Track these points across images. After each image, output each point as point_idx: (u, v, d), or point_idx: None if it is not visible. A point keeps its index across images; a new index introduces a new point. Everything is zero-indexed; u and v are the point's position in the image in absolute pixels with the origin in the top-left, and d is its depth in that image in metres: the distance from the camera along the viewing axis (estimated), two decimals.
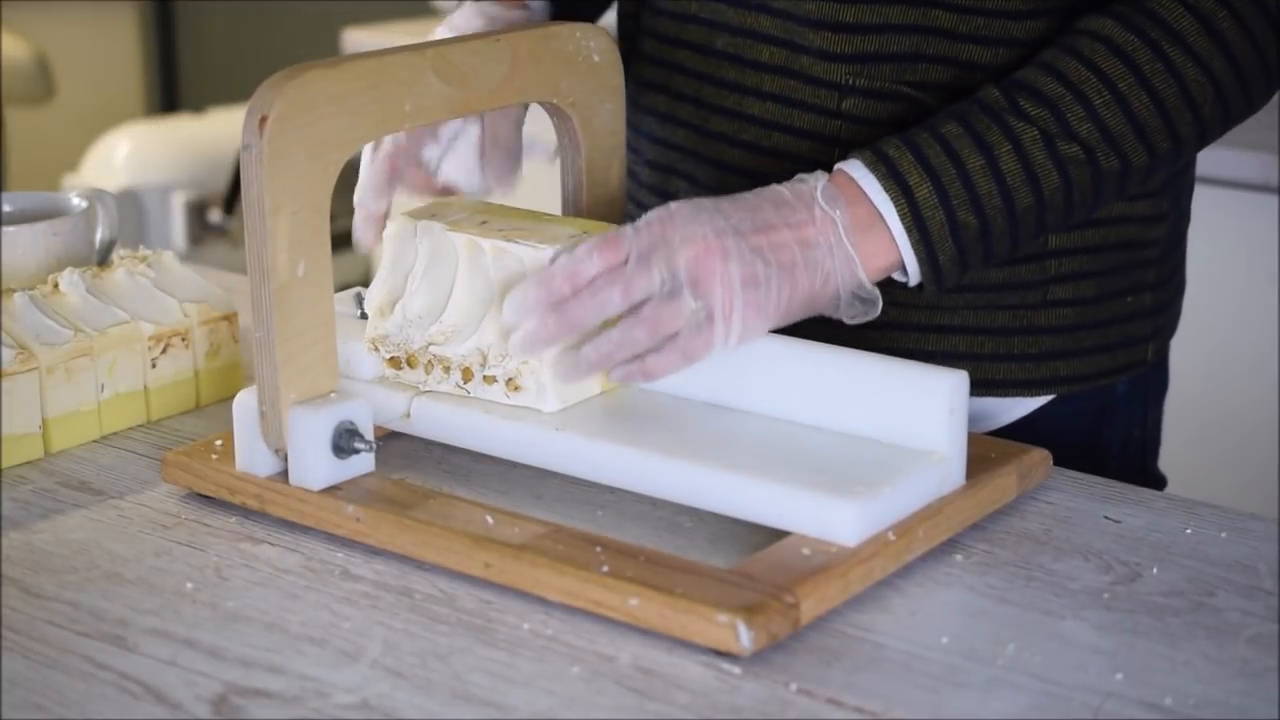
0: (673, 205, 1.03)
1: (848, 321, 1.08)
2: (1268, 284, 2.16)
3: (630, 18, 1.31)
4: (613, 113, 1.16)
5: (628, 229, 1.03)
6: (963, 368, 1.19)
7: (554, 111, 1.15)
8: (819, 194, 1.06)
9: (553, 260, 1.04)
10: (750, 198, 1.05)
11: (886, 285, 1.21)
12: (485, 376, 1.07)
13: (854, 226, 1.06)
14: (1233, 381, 2.19)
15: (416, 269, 1.10)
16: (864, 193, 1.07)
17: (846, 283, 1.06)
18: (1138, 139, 1.10)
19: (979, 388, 1.22)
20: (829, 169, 1.21)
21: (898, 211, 1.07)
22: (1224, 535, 1.03)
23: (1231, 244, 2.15)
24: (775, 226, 1.04)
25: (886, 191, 1.07)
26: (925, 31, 1.16)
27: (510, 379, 1.06)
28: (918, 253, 1.08)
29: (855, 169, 1.08)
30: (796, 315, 1.06)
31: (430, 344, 1.08)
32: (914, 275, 1.09)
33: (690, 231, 1.02)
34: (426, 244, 1.10)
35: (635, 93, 1.30)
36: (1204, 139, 1.13)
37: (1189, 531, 1.03)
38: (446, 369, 1.08)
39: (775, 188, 1.07)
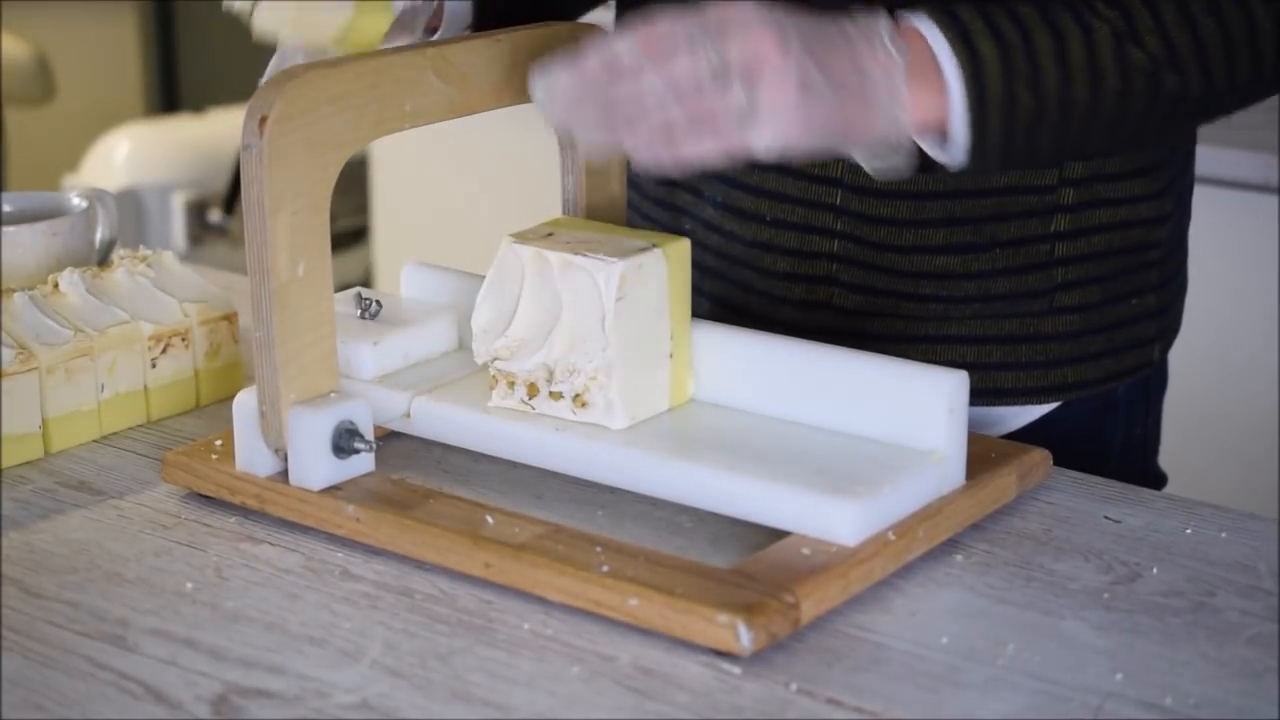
0: (732, 3, 0.97)
1: (872, 171, 1.03)
2: (1268, 284, 2.16)
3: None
4: None
5: (672, 15, 0.96)
6: (971, 378, 1.18)
7: None
8: (884, 33, 1.00)
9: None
10: (815, 16, 0.99)
11: (891, 291, 1.20)
12: (551, 392, 1.05)
13: (910, 74, 1.00)
14: (1233, 381, 2.19)
15: (484, 282, 1.08)
16: (928, 45, 1.01)
17: (888, 125, 1.00)
18: (1198, 64, 1.05)
19: (987, 397, 1.22)
20: (837, 181, 1.20)
21: (960, 69, 1.00)
22: (1224, 535, 1.03)
23: (1231, 244, 2.15)
24: (838, 46, 0.98)
25: (951, 46, 1.00)
26: None
27: (577, 395, 1.05)
28: (970, 116, 1.01)
29: (921, 21, 1.02)
30: (833, 141, 0.99)
31: (496, 358, 1.07)
32: (959, 144, 1.02)
33: (750, 18, 0.96)
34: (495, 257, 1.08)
35: None
36: (1255, 89, 1.08)
37: (1189, 531, 1.03)
38: (511, 384, 1.07)
39: (838, 17, 1.00)
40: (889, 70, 0.99)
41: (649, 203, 1.31)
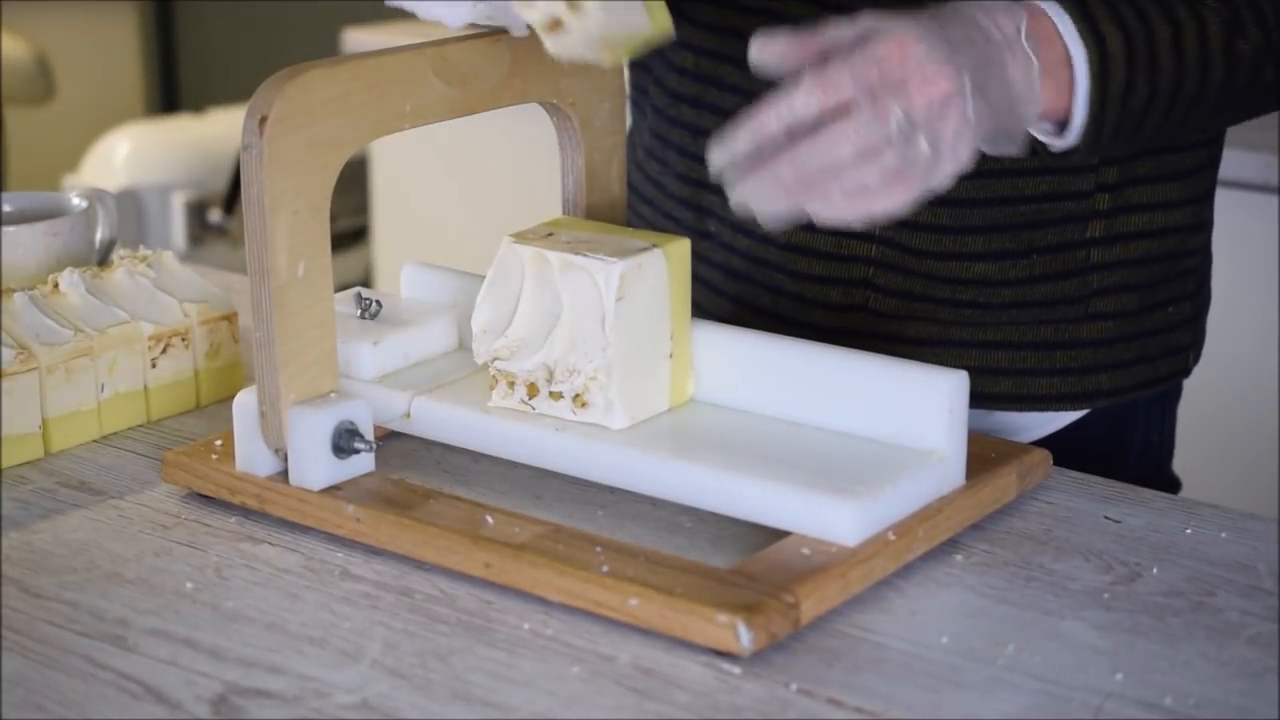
0: (892, 27, 0.94)
1: (988, 150, 1.01)
2: (1268, 284, 2.16)
3: None
4: (613, 113, 1.16)
5: (842, 59, 0.94)
6: (1005, 383, 1.17)
7: (554, 111, 1.15)
8: (1023, 34, 0.99)
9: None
10: (962, 24, 0.97)
11: (927, 297, 1.19)
12: (551, 393, 1.05)
13: (1043, 70, 1.00)
14: (1233, 381, 2.19)
15: (484, 282, 1.08)
16: (1058, 33, 1.00)
17: (1021, 125, 1.00)
18: None
19: (1023, 403, 1.21)
20: None
21: (1088, 59, 1.00)
22: (1224, 535, 1.03)
23: (1231, 244, 2.15)
24: (990, 60, 0.97)
25: (1081, 37, 1.00)
26: None
27: (577, 395, 1.05)
28: (1091, 108, 1.01)
29: (1051, 8, 1.01)
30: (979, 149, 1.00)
31: (496, 358, 1.07)
32: (1075, 131, 1.02)
33: (930, 70, 0.94)
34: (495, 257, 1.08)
35: (664, 104, 1.28)
36: None
37: (1189, 531, 1.03)
38: (511, 384, 1.07)
39: (974, 12, 0.98)
40: (1028, 73, 0.99)
41: (673, 202, 1.29)
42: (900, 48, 0.94)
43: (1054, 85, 1.01)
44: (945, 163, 0.96)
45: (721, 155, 0.96)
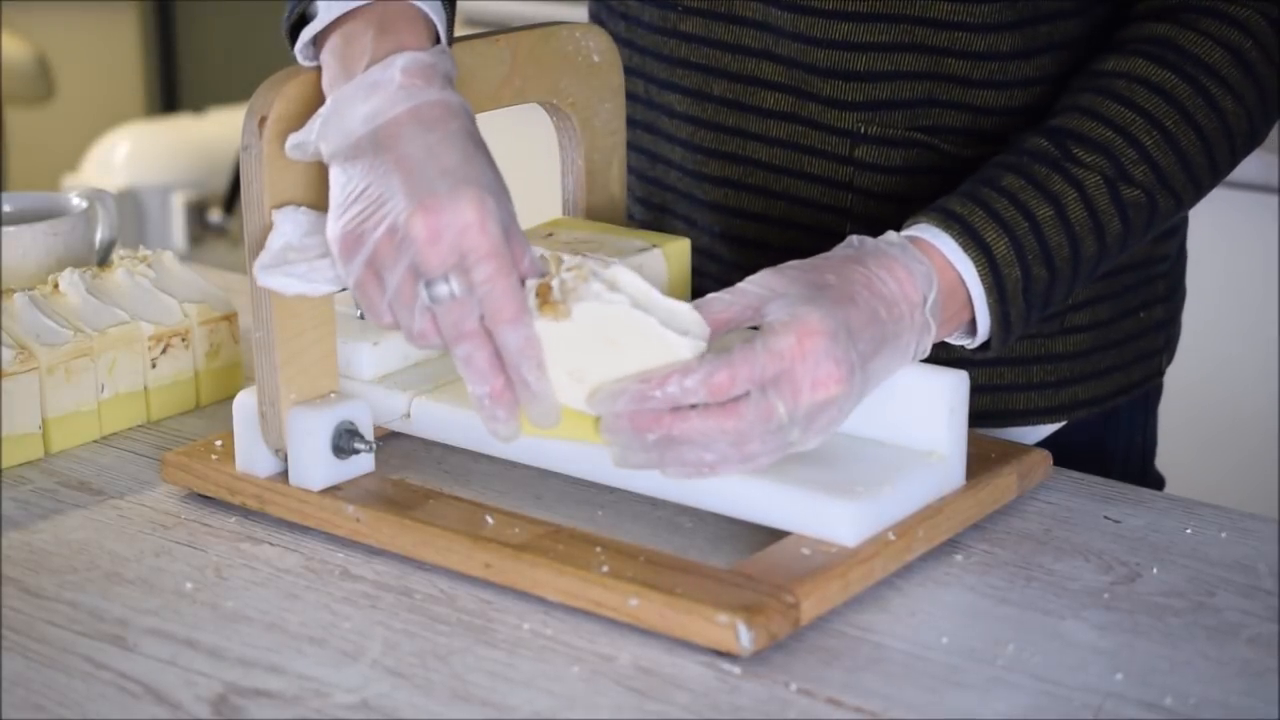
0: (797, 314, 0.94)
1: None
2: (1268, 284, 2.16)
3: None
4: (613, 113, 1.16)
5: (743, 352, 0.92)
6: (982, 400, 1.17)
7: (554, 111, 1.15)
8: (929, 308, 1.00)
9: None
10: (869, 300, 0.97)
11: None
12: None
13: (941, 304, 1.02)
14: (1233, 382, 2.19)
15: None
16: (943, 255, 1.02)
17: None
18: (1187, 177, 1.08)
19: (1000, 419, 1.21)
20: (841, 214, 1.18)
21: (978, 272, 1.03)
22: (1224, 535, 1.03)
23: (1231, 244, 2.15)
24: (889, 340, 0.98)
25: (965, 251, 1.02)
26: (937, 78, 1.14)
27: None
28: (993, 313, 1.04)
29: (933, 234, 1.02)
30: None
31: None
32: (982, 335, 1.05)
33: (824, 372, 0.94)
34: None
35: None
36: (1233, 167, 1.12)
37: (1189, 531, 1.03)
38: None
39: (885, 283, 0.99)
40: (922, 340, 1.00)
41: (638, 226, 1.29)
42: (801, 342, 0.93)
43: (953, 306, 1.03)
44: (810, 441, 0.96)
45: (602, 405, 0.95)
